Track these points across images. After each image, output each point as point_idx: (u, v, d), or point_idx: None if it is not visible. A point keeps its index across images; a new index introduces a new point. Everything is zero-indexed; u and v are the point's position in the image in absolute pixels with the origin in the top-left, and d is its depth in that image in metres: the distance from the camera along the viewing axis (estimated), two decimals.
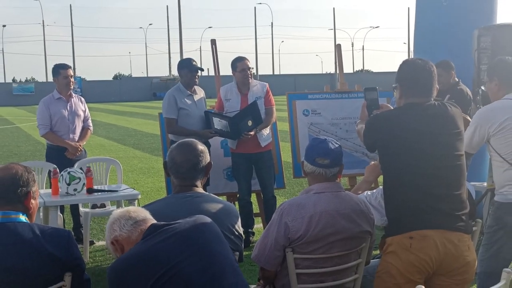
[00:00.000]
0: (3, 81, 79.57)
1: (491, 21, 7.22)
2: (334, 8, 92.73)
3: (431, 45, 7.33)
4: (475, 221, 3.51)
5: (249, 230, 6.84)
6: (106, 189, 5.93)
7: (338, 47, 7.81)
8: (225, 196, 7.37)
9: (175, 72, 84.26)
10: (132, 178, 11.79)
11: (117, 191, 5.78)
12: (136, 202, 5.73)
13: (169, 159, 3.16)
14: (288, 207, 3.20)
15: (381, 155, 3.33)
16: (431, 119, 3.24)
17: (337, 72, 8.13)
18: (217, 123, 6.52)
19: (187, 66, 6.49)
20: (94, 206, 6.73)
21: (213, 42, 7.60)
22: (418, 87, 3.30)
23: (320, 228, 3.14)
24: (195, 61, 6.62)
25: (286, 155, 8.72)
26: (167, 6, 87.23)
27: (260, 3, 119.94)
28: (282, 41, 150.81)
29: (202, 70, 6.63)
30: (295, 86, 66.23)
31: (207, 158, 3.17)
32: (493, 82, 4.22)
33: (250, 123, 6.48)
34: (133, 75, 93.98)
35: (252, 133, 6.48)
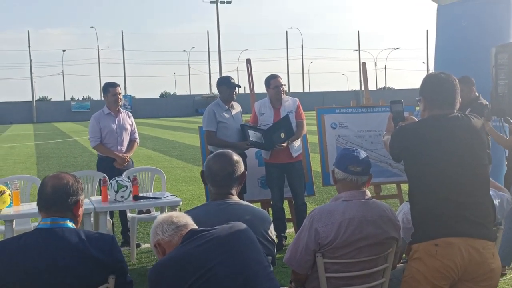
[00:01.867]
0: (63, 99, 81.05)
1: (508, 40, 6.99)
2: (358, 31, 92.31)
3: (451, 63, 7.12)
4: (497, 228, 3.32)
5: (282, 234, 6.70)
6: (151, 196, 5.86)
7: (363, 65, 7.64)
8: (259, 203, 7.27)
9: (215, 90, 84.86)
10: (175, 186, 11.75)
11: (160, 198, 5.70)
12: (178, 208, 5.63)
13: (206, 168, 3.06)
14: (318, 213, 3.06)
15: (407, 164, 3.17)
16: (454, 129, 3.08)
17: (362, 88, 7.96)
18: (252, 135, 6.43)
19: (226, 83, 6.43)
20: (140, 212, 6.67)
21: (248, 61, 7.51)
22: (441, 99, 3.15)
23: (349, 234, 2.99)
24: (233, 79, 6.55)
25: (315, 165, 8.56)
26: (207, 31, 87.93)
27: (292, 28, 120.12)
28: (311, 62, 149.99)
29: (239, 86, 6.54)
30: (323, 102, 65.95)
31: (241, 168, 3.06)
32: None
33: (282, 135, 6.37)
34: (178, 93, 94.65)
35: (284, 144, 6.37)
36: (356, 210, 3.05)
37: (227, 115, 6.39)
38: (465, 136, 3.06)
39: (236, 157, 3.07)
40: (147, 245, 7.07)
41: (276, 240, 6.63)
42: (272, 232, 3.03)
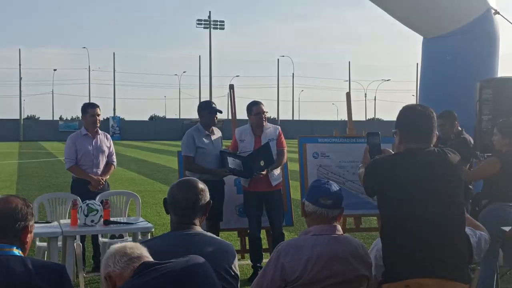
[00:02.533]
0: (51, 119, 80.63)
1: (492, 75, 6.97)
2: (349, 62, 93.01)
3: (435, 95, 7.09)
4: (474, 268, 3.17)
5: (258, 264, 6.50)
6: (123, 221, 5.67)
7: (347, 95, 7.56)
8: (236, 231, 7.09)
9: None
10: (155, 210, 11.52)
11: (132, 223, 5.51)
12: (149, 234, 5.45)
13: (169, 196, 2.89)
14: (286, 248, 2.90)
15: (379, 200, 3.03)
16: (430, 165, 2.94)
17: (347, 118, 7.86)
18: (232, 162, 6.27)
19: (207, 108, 6.30)
20: (113, 237, 6.46)
21: (231, 87, 7.41)
22: (417, 132, 3.02)
23: (317, 270, 2.83)
24: (214, 104, 6.43)
25: (295, 194, 8.42)
26: (199, 56, 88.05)
27: (283, 56, 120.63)
28: (302, 90, 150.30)
29: (220, 112, 6.41)
30: (312, 131, 65.99)
31: (206, 196, 2.89)
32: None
33: (262, 163, 6.22)
34: (167, 117, 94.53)
35: (264, 172, 6.22)
36: (326, 246, 2.89)
37: (206, 141, 6.25)
38: (440, 172, 2.94)
39: (201, 185, 2.91)
40: None
41: (251, 270, 6.52)
42: (236, 267, 2.85)
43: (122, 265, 2.39)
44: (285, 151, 6.56)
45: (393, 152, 3.34)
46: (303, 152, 7.11)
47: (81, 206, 5.33)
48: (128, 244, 2.50)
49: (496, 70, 7.08)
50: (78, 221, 5.31)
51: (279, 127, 6.64)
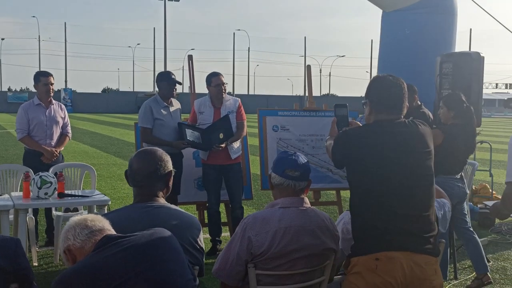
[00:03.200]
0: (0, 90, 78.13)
1: (450, 50, 6.99)
2: (305, 37, 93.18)
3: (394, 70, 7.01)
4: (439, 242, 3.16)
5: (217, 238, 6.44)
6: (78, 194, 5.48)
7: (308, 68, 7.47)
8: (195, 205, 6.99)
9: None
10: (110, 184, 11.29)
11: (88, 196, 5.32)
12: (106, 208, 5.29)
13: (129, 167, 2.75)
14: (252, 221, 2.81)
15: (349, 172, 2.96)
16: (400, 137, 2.86)
17: (306, 92, 7.79)
18: (190, 134, 6.13)
19: (166, 79, 6.10)
20: (67, 210, 6.26)
21: (190, 57, 7.22)
22: (388, 103, 2.93)
23: (284, 244, 2.75)
24: (173, 75, 6.24)
25: (255, 168, 8.35)
26: (154, 28, 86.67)
27: (239, 30, 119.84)
28: (257, 65, 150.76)
29: (180, 83, 6.23)
30: (267, 105, 65.90)
31: (167, 166, 2.74)
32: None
33: (221, 135, 6.11)
34: (121, 90, 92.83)
35: (223, 145, 6.10)
36: (293, 219, 2.81)
37: (164, 112, 6.07)
38: (411, 144, 2.87)
39: (161, 154, 2.76)
40: None
41: (210, 244, 6.44)
42: (201, 240, 2.75)
43: (82, 238, 2.26)
44: (245, 123, 6.45)
45: (360, 125, 3.27)
46: (263, 124, 7.01)
47: (33, 178, 5.10)
48: (89, 216, 2.37)
49: (454, 46, 7.11)
50: (31, 193, 5.10)
51: (239, 99, 6.52)
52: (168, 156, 2.79)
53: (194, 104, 6.46)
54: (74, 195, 5.33)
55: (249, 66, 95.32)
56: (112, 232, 2.33)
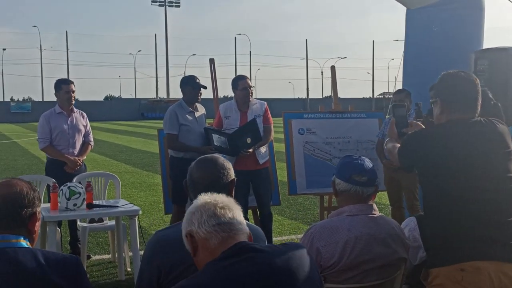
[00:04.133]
0: (2, 100, 78.18)
1: (479, 46, 6.80)
2: (306, 40, 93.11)
3: (423, 70, 6.87)
4: None
5: None
6: (106, 204, 5.31)
7: (332, 69, 7.30)
8: None
9: (161, 94, 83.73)
10: (125, 192, 11.10)
11: (117, 206, 5.16)
12: (136, 218, 5.12)
13: (188, 176, 2.58)
14: (319, 230, 2.63)
15: (423, 176, 2.75)
16: (478, 137, 2.67)
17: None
18: (217, 139, 5.96)
19: (191, 83, 5.92)
20: (92, 221, 6.10)
21: (212, 61, 7.06)
22: (462, 101, 2.74)
23: (355, 254, 2.57)
24: (198, 79, 6.07)
25: (280, 175, 8.18)
26: (155, 34, 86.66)
27: (240, 34, 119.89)
28: (259, 69, 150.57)
29: (205, 87, 6.07)
30: (270, 110, 65.79)
31: (229, 174, 2.57)
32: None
33: (249, 140, 5.93)
34: (123, 97, 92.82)
35: (250, 150, 5.93)
36: (363, 227, 2.63)
37: (190, 118, 5.90)
38: (490, 144, 2.67)
39: (223, 162, 2.60)
40: (98, 257, 6.51)
41: None
42: None
43: (208, 229, 1.98)
44: (272, 127, 6.29)
45: (421, 126, 3.09)
46: (288, 128, 6.85)
47: (61, 189, 4.94)
48: (219, 199, 2.06)
49: (482, 42, 6.92)
50: (59, 205, 4.94)
51: (265, 102, 6.36)
52: (230, 164, 2.62)
53: (219, 108, 6.30)
54: (103, 205, 5.17)
55: (251, 69, 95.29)
56: (244, 227, 2.04)
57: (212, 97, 6.96)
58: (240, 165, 6.05)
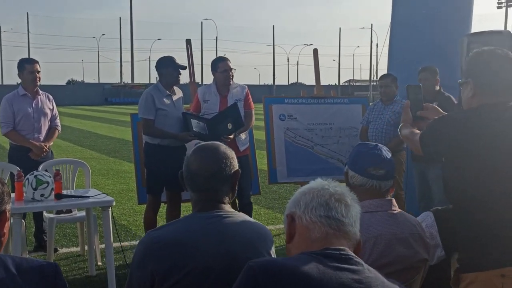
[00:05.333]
0: None
1: (467, 30, 6.57)
2: (273, 26, 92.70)
3: (411, 54, 6.61)
4: None
5: None
6: (76, 194, 4.91)
7: (315, 52, 6.97)
8: None
9: (126, 79, 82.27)
10: (91, 180, 10.62)
11: (89, 197, 4.76)
12: (110, 210, 4.73)
13: (185, 167, 2.22)
14: None
15: (451, 168, 2.42)
16: None
17: (275, 82, 7.33)
18: (196, 125, 5.58)
19: (171, 65, 5.48)
20: (59, 211, 5.67)
21: (188, 42, 6.67)
22: (498, 82, 2.41)
23: (376, 256, 2.25)
24: (176, 59, 5.66)
25: (259, 163, 7.85)
26: (120, 17, 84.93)
27: (206, 19, 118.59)
28: (224, 54, 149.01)
29: (185, 68, 5.66)
30: None
31: (233, 165, 2.22)
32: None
33: (230, 126, 5.58)
34: (86, 81, 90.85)
35: (231, 136, 5.58)
36: (383, 225, 2.31)
37: (167, 101, 5.49)
38: None
39: (225, 150, 2.24)
40: (65, 250, 6.11)
41: None
42: (274, 253, 2.23)
43: (313, 219, 1.70)
44: (253, 113, 5.95)
45: (438, 108, 2.78)
46: (269, 113, 6.53)
47: (27, 178, 4.53)
48: (339, 190, 1.76)
49: (471, 26, 6.70)
50: (24, 195, 4.52)
51: (246, 86, 6.01)
52: (233, 152, 2.27)
53: (197, 91, 5.93)
54: (73, 196, 4.77)
55: (217, 55, 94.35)
56: (355, 226, 1.74)
57: (186, 81, 6.59)
58: None
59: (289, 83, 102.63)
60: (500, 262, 2.22)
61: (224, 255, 2.01)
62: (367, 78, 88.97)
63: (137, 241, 6.52)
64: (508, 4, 65.68)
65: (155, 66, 5.58)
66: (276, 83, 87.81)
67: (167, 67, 5.45)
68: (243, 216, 2.19)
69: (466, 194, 2.35)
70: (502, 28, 34.79)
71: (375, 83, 75.61)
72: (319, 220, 1.69)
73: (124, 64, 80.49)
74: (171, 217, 5.74)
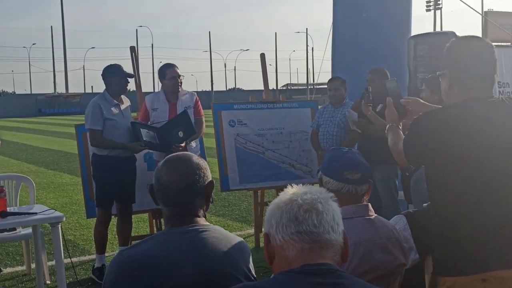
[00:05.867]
0: None
1: (408, 33, 6.68)
2: (210, 32, 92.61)
3: (354, 57, 6.66)
4: None
5: None
6: (20, 211, 4.65)
7: (262, 57, 6.92)
8: (149, 213, 6.27)
9: (60, 89, 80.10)
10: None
11: (36, 213, 4.52)
12: (59, 226, 4.51)
13: (156, 180, 2.10)
14: None
15: (431, 170, 2.31)
16: (503, 121, 2.21)
17: (266, 85, 7.26)
18: (145, 134, 5.42)
19: (119, 73, 5.31)
20: (1, 230, 5.37)
21: (133, 49, 6.49)
22: (479, 75, 2.27)
23: (356, 264, 2.19)
24: (123, 68, 5.48)
25: (211, 171, 7.73)
26: (51, 26, 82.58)
27: (141, 26, 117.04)
28: (160, 62, 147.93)
29: (132, 76, 5.50)
30: None
31: (207, 175, 2.11)
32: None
33: (181, 134, 5.45)
34: (17, 92, 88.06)
35: (183, 144, 5.46)
36: (361, 232, 2.25)
37: (116, 111, 5.30)
38: None
39: (198, 160, 2.13)
40: (10, 270, 5.81)
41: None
42: (252, 267, 2.14)
43: (285, 238, 1.58)
44: (203, 120, 5.84)
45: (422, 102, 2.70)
46: (218, 120, 6.43)
47: None
48: (308, 197, 1.62)
49: (411, 29, 6.81)
50: None
51: (195, 93, 5.89)
52: (205, 163, 2.16)
53: (145, 100, 5.77)
54: (19, 213, 4.51)
55: (154, 62, 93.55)
56: (334, 231, 1.61)
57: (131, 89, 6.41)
58: None
59: (227, 88, 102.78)
60: (481, 267, 2.16)
61: (203, 272, 1.91)
62: (305, 81, 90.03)
63: (86, 257, 6.35)
64: (436, 7, 68.12)
65: (102, 75, 5.39)
66: (214, 89, 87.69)
67: (115, 76, 5.27)
68: (219, 230, 2.09)
69: (447, 198, 2.26)
70: (431, 30, 35.94)
71: (312, 87, 76.81)
72: (291, 237, 1.58)
73: (57, 74, 78.28)
74: (123, 230, 5.57)
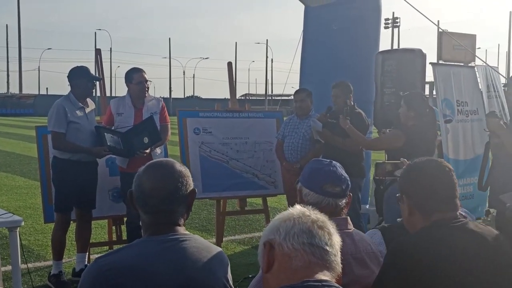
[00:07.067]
0: None
1: (376, 47, 6.77)
2: (170, 38, 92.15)
3: (322, 70, 6.70)
4: None
5: None
6: None
7: (229, 65, 6.89)
8: (110, 219, 6.14)
9: (13, 89, 78.19)
10: None
11: None
12: (17, 230, 4.37)
13: (136, 187, 2.04)
14: None
15: None
16: (475, 246, 2.07)
17: (233, 93, 7.24)
18: (110, 139, 5.31)
19: (86, 75, 5.20)
20: None
21: (98, 52, 6.37)
22: (440, 198, 2.17)
23: None
24: (90, 70, 5.37)
25: None
26: (6, 25, 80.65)
27: (100, 29, 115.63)
28: (119, 66, 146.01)
29: (99, 79, 5.39)
30: None
31: (189, 183, 2.05)
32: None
33: (146, 140, 5.36)
34: None
35: (148, 151, 5.37)
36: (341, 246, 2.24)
37: (80, 114, 5.18)
38: (493, 257, 2.07)
39: (180, 168, 2.08)
40: None
41: None
42: (231, 278, 2.10)
43: (295, 246, 1.54)
44: (169, 126, 5.77)
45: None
46: (183, 127, 6.35)
47: None
48: (320, 217, 1.61)
49: (379, 43, 6.91)
50: None
51: (162, 99, 5.82)
52: (188, 170, 2.11)
53: (110, 104, 5.65)
54: None
55: (112, 67, 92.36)
56: (337, 255, 1.60)
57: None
58: (133, 167, 5.43)
59: (185, 96, 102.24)
60: None
61: (183, 283, 1.86)
62: (263, 92, 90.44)
63: (42, 263, 6.16)
64: (394, 25, 69.58)
65: (68, 77, 5.27)
66: (172, 96, 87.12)
67: (81, 78, 5.17)
68: (199, 239, 2.05)
69: None
70: (389, 48, 36.66)
71: (270, 97, 77.08)
72: (302, 247, 1.55)
73: (11, 74, 76.40)
74: (82, 236, 5.44)
